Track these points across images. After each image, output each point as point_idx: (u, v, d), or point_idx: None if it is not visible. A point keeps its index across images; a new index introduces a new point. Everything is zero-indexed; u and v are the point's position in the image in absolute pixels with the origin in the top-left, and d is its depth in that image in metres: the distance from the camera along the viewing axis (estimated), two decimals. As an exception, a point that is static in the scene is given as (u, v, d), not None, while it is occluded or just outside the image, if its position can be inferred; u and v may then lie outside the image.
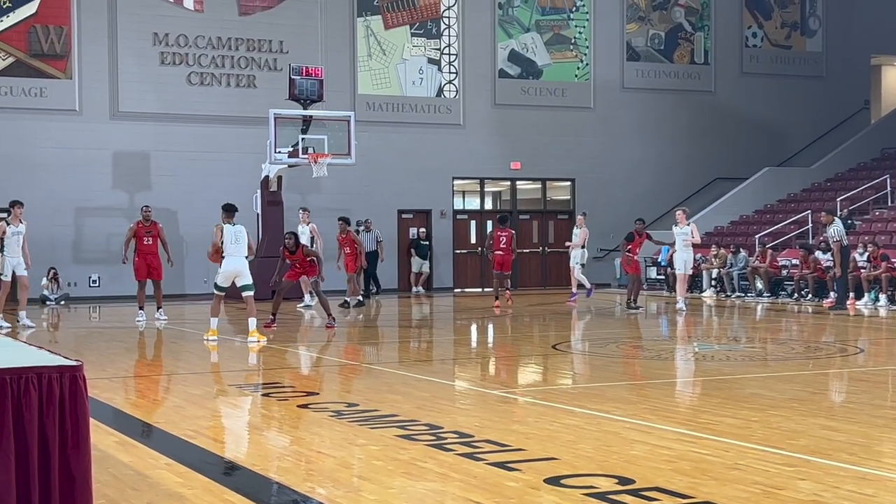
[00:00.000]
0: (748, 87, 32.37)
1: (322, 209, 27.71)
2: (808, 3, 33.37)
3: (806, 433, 7.91)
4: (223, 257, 15.14)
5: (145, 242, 19.33)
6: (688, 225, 20.81)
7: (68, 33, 25.91)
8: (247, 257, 15.48)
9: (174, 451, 7.56)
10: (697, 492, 6.09)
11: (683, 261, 20.98)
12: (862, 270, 22.06)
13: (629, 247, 21.25)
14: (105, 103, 26.25)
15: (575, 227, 24.33)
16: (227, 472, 6.85)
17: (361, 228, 24.72)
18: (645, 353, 14.57)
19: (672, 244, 22.16)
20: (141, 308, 18.97)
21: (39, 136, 25.53)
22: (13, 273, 17.62)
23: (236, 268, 15.13)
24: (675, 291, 22.23)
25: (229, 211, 15.37)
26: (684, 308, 20.33)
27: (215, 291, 15.49)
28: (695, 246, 21.47)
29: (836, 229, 20.58)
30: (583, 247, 23.65)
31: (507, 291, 22.25)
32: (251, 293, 15.24)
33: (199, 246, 26.50)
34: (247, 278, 15.22)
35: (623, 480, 6.38)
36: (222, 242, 15.09)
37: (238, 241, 15.14)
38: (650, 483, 6.29)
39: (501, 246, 21.72)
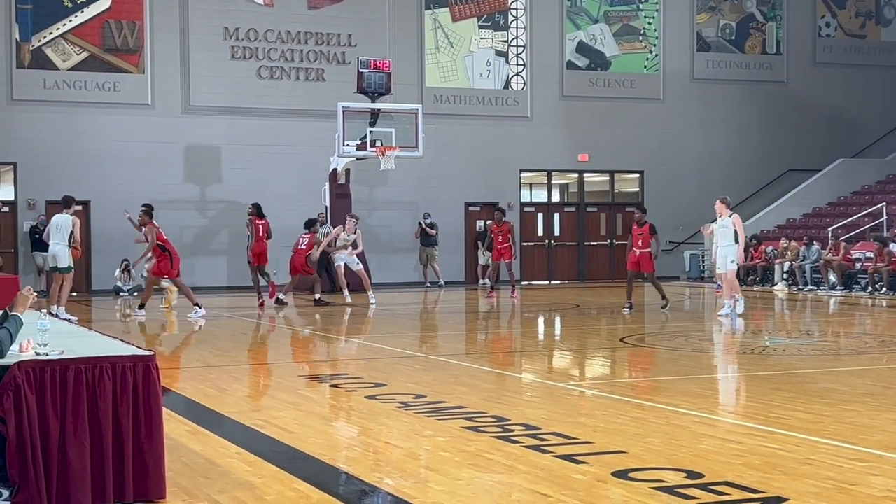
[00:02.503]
0: (821, 78, 31.87)
1: (390, 202, 27.89)
2: (884, -8, 32.77)
3: (879, 428, 7.79)
4: None
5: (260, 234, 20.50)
6: (730, 216, 17.92)
7: (141, 28, 26.29)
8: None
9: (244, 440, 7.65)
10: (768, 486, 6.02)
11: (724, 257, 17.91)
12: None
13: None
14: (177, 97, 26.60)
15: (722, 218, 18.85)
16: (296, 462, 6.91)
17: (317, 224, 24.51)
18: (715, 346, 14.44)
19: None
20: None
21: (112, 129, 25.94)
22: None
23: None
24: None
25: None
26: (728, 313, 17.42)
27: None
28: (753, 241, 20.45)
29: None
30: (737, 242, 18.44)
31: (514, 284, 23.19)
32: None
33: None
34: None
35: (692, 474, 6.33)
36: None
37: None
38: (720, 477, 6.24)
39: (499, 240, 22.53)
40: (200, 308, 17.99)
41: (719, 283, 19.89)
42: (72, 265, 17.62)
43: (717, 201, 18.18)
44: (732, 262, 17.93)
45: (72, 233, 17.47)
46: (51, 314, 16.87)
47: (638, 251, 18.68)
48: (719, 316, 17.48)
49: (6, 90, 25.37)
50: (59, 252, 17.47)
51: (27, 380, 5.59)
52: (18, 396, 5.56)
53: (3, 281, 15.39)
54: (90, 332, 7.66)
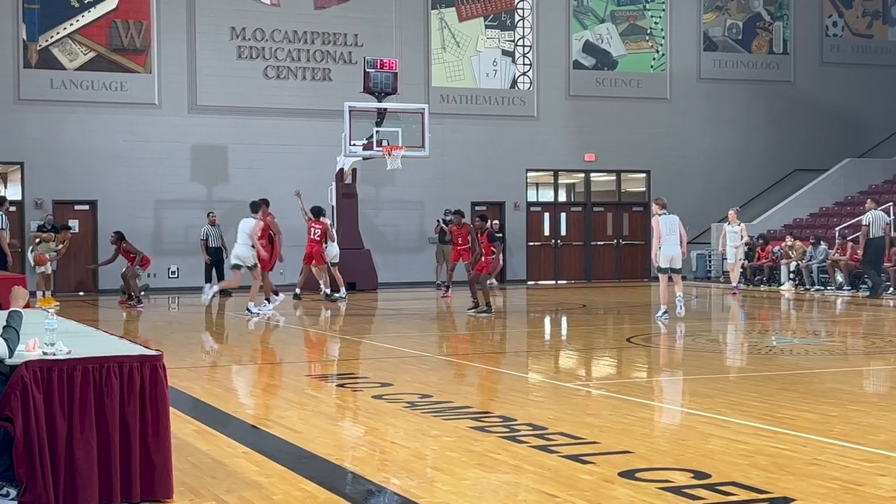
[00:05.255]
0: (828, 77, 31.82)
1: (396, 201, 27.89)
2: (891, -9, 32.72)
3: (886, 428, 7.78)
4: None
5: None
6: (738, 224, 23.07)
7: (148, 28, 26.32)
8: None
9: (251, 439, 7.67)
10: (775, 487, 6.02)
11: (734, 254, 23.16)
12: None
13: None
14: (183, 97, 26.63)
15: (730, 226, 23.39)
16: (303, 461, 6.92)
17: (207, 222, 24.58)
18: (721, 346, 14.43)
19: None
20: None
21: (120, 129, 25.97)
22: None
23: None
24: (733, 281, 23.39)
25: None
26: (737, 289, 22.80)
27: None
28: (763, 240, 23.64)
29: (869, 216, 21.95)
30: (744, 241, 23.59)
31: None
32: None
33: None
34: None
35: (699, 475, 6.33)
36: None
37: None
38: (726, 478, 6.23)
39: (458, 241, 22.31)
40: (273, 300, 19.02)
41: (734, 284, 23.11)
42: (257, 263, 18.48)
43: (731, 210, 23.55)
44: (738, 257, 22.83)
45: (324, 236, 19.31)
46: (248, 311, 18.09)
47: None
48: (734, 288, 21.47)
49: (13, 90, 25.41)
50: (243, 252, 18.37)
51: (34, 379, 5.60)
52: (26, 396, 5.57)
53: (9, 279, 15.40)
54: (97, 332, 7.67)
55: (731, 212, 23.58)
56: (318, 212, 21.80)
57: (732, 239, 23.10)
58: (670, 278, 17.01)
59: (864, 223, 22.44)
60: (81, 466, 5.64)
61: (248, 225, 18.50)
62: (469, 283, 19.12)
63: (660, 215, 16.93)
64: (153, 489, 5.81)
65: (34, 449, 5.56)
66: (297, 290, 21.93)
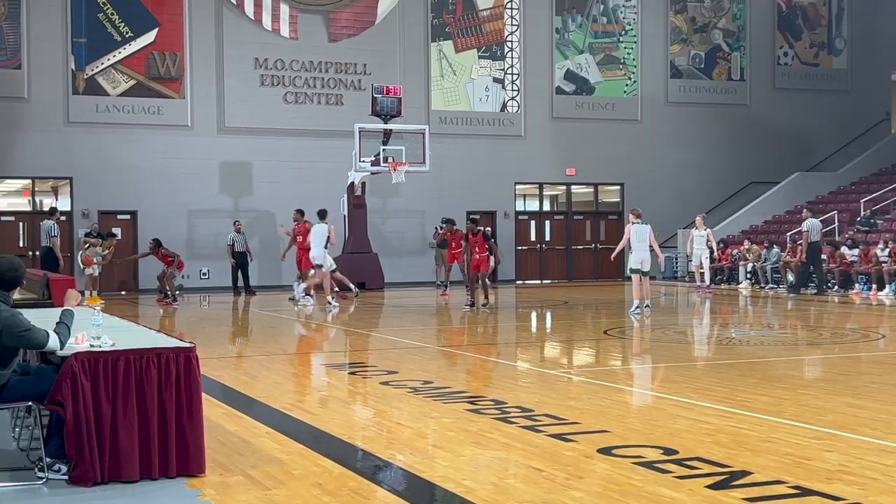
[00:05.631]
0: (780, 101, 31.82)
1: (400, 211, 27.88)
2: (835, 26, 32.72)
3: (833, 410, 7.78)
4: None
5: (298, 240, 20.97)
6: (705, 229, 23.04)
7: (182, 59, 26.30)
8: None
9: (274, 421, 7.65)
10: (735, 461, 6.02)
11: (699, 255, 23.17)
12: (884, 265, 21.60)
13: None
14: (213, 120, 26.60)
15: (697, 230, 23.24)
16: (320, 440, 6.91)
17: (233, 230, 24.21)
18: (687, 338, 14.42)
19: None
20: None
21: (157, 148, 25.94)
22: None
23: None
24: (697, 280, 23.51)
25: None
26: (701, 285, 22.79)
27: None
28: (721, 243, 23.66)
29: (808, 224, 22.08)
30: (710, 246, 23.39)
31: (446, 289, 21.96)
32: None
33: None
34: None
35: (668, 451, 6.33)
36: None
37: None
38: (692, 454, 6.23)
39: (452, 245, 21.02)
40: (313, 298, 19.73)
41: (700, 283, 23.06)
42: (321, 264, 19.26)
43: (698, 217, 23.32)
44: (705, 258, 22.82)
45: (328, 238, 19.27)
46: (329, 303, 18.75)
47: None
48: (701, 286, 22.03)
49: (64, 114, 25.39)
50: (315, 253, 19.21)
51: (83, 369, 5.60)
52: (75, 383, 5.57)
53: (62, 281, 15.39)
54: (137, 327, 7.67)
55: (697, 218, 23.49)
56: (323, 213, 20.20)
57: (699, 242, 23.14)
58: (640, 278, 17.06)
59: (804, 230, 22.42)
60: (124, 445, 5.63)
61: (319, 230, 19.22)
62: (469, 282, 19.17)
63: (633, 223, 16.95)
64: (187, 465, 5.80)
65: (82, 430, 5.56)
66: (352, 289, 21.05)
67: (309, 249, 19.95)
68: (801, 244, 22.98)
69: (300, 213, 21.43)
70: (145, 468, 5.68)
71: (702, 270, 23.30)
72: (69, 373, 5.56)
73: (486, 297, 18.82)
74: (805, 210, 23.04)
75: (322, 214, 19.57)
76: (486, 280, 19.00)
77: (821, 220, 27.31)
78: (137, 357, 5.72)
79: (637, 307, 16.66)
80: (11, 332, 5.70)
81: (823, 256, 23.84)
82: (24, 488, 5.66)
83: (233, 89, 26.65)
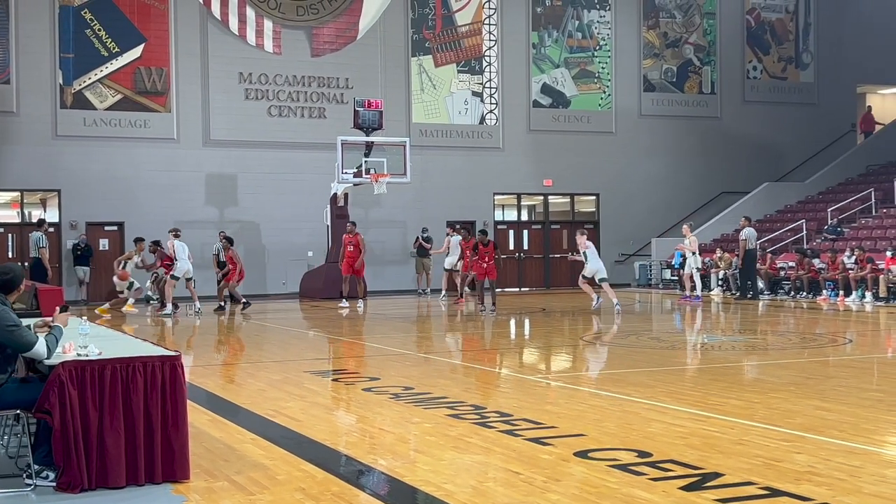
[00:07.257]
0: (749, 114, 32.04)
1: (382, 221, 27.86)
2: (802, 41, 32.99)
3: (801, 413, 7.82)
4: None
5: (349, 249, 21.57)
6: (691, 237, 22.86)
7: (167, 74, 26.21)
8: None
9: (258, 427, 7.62)
10: (707, 463, 6.04)
11: (691, 265, 22.86)
12: (850, 271, 21.75)
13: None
14: (199, 133, 26.52)
15: (687, 238, 22.95)
16: (303, 446, 6.89)
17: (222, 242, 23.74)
18: (661, 343, 14.46)
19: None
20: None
21: (144, 161, 25.84)
22: None
23: None
24: (684, 288, 23.21)
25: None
26: (689, 295, 22.40)
27: None
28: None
29: (745, 232, 22.27)
30: (694, 253, 22.81)
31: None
32: None
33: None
34: None
35: (642, 454, 6.34)
36: None
37: None
38: (666, 456, 6.25)
39: (467, 254, 21.16)
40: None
41: (688, 293, 22.74)
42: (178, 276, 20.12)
43: (685, 225, 23.36)
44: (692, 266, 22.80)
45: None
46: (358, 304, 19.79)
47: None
48: (688, 296, 22.12)
49: (52, 127, 25.25)
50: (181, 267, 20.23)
51: (70, 377, 5.56)
52: (62, 392, 5.53)
53: (50, 291, 15.29)
54: (124, 336, 7.62)
55: (685, 226, 23.27)
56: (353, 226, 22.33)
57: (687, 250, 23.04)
58: (594, 282, 19.78)
59: (741, 238, 22.38)
60: (111, 452, 5.60)
61: (180, 246, 20.19)
62: (479, 288, 20.23)
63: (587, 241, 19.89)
64: (173, 471, 5.77)
65: (70, 437, 5.52)
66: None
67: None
68: (737, 252, 23.13)
69: (229, 240, 21.94)
70: (132, 474, 5.65)
71: (692, 282, 22.58)
72: (57, 381, 5.53)
73: (494, 303, 19.65)
74: (743, 219, 22.97)
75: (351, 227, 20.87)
76: (494, 287, 20.02)
77: (788, 229, 27.57)
78: (123, 365, 5.69)
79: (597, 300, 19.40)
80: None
81: (792, 264, 24.03)
82: (13, 495, 5.61)
83: (218, 103, 26.58)
